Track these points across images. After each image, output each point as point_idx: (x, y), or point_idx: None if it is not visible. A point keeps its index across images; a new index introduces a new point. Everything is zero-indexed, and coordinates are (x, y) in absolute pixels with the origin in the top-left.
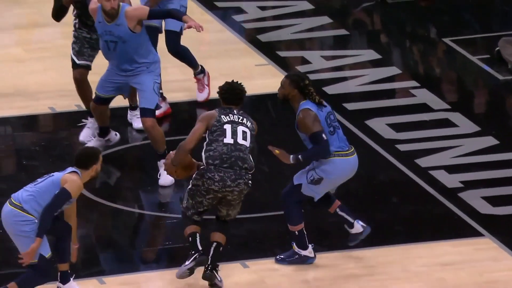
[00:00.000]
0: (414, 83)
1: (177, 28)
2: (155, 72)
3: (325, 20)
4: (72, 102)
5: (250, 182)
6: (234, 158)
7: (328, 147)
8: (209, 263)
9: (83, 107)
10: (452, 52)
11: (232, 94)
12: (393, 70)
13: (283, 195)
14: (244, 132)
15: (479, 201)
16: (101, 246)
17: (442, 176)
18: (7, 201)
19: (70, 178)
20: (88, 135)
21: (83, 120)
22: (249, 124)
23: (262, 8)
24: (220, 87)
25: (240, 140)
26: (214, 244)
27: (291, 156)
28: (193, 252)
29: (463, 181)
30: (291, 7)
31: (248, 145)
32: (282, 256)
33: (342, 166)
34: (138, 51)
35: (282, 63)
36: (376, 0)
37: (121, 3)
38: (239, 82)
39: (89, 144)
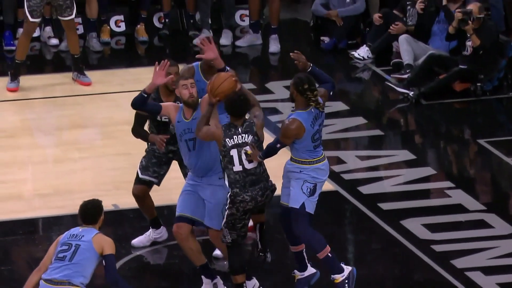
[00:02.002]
0: (449, 184)
1: None
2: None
3: (360, 120)
4: (109, 202)
5: (274, 185)
6: (250, 181)
7: (274, 153)
8: (259, 246)
9: (120, 207)
10: (486, 153)
11: (234, 107)
12: (428, 171)
13: (294, 229)
14: (247, 152)
15: None
16: None
17: (478, 278)
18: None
19: (103, 240)
20: (142, 241)
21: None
22: (250, 138)
23: None
24: (225, 100)
25: (247, 165)
26: (258, 225)
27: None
28: None
29: (500, 283)
30: (326, 107)
31: (256, 165)
32: None
33: (325, 169)
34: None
35: None
36: (411, 101)
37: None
38: (243, 97)
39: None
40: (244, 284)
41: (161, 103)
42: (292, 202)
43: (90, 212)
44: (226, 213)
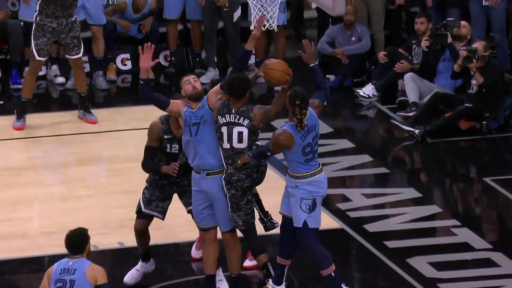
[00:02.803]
0: (455, 222)
1: None
2: None
3: (366, 158)
4: (115, 240)
5: (265, 163)
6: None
7: (264, 159)
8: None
9: (125, 245)
10: (492, 192)
11: (232, 86)
12: (434, 209)
13: (303, 245)
14: (240, 133)
15: None
16: None
17: None
18: None
19: (95, 270)
20: (134, 278)
21: None
22: (246, 122)
23: None
24: (226, 79)
25: (236, 144)
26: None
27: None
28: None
29: None
30: (332, 145)
31: (245, 146)
32: None
33: (321, 181)
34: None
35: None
36: (416, 139)
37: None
38: (244, 77)
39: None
40: (268, 262)
41: (170, 99)
42: (295, 222)
43: (77, 241)
44: (227, 196)
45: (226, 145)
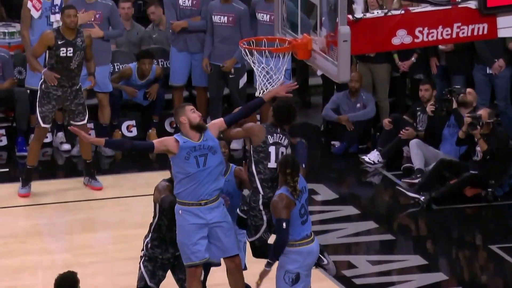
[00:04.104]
0: None
1: None
2: None
3: (371, 225)
4: None
5: None
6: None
7: (286, 237)
8: None
9: None
10: (498, 259)
11: (286, 113)
12: (440, 276)
13: None
14: (282, 153)
15: None
16: None
17: None
18: None
19: None
20: None
21: None
22: (286, 141)
23: None
24: (275, 104)
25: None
26: None
27: (265, 268)
28: None
29: None
30: (338, 211)
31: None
32: None
33: (308, 253)
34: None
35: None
36: (422, 206)
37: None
38: (293, 105)
39: None
40: None
41: (152, 140)
42: None
43: (67, 285)
44: (265, 218)
45: (273, 165)
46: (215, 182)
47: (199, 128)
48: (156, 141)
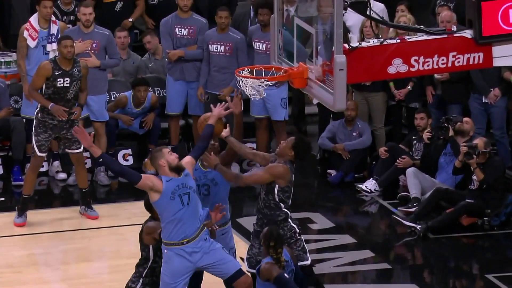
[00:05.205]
0: None
1: None
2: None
3: (368, 253)
4: None
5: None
6: None
7: (293, 283)
8: None
9: None
10: None
11: (306, 150)
12: None
13: None
14: None
15: None
16: None
17: None
18: None
19: None
20: None
21: None
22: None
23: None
24: (295, 142)
25: None
26: None
27: None
28: None
29: None
30: (334, 240)
31: None
32: None
33: None
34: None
35: None
36: (418, 235)
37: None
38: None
39: None
40: None
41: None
42: None
43: None
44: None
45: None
46: (195, 220)
47: (178, 170)
48: (144, 175)
